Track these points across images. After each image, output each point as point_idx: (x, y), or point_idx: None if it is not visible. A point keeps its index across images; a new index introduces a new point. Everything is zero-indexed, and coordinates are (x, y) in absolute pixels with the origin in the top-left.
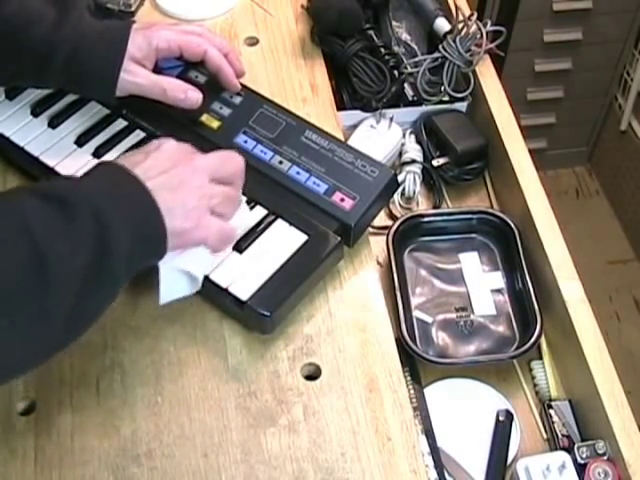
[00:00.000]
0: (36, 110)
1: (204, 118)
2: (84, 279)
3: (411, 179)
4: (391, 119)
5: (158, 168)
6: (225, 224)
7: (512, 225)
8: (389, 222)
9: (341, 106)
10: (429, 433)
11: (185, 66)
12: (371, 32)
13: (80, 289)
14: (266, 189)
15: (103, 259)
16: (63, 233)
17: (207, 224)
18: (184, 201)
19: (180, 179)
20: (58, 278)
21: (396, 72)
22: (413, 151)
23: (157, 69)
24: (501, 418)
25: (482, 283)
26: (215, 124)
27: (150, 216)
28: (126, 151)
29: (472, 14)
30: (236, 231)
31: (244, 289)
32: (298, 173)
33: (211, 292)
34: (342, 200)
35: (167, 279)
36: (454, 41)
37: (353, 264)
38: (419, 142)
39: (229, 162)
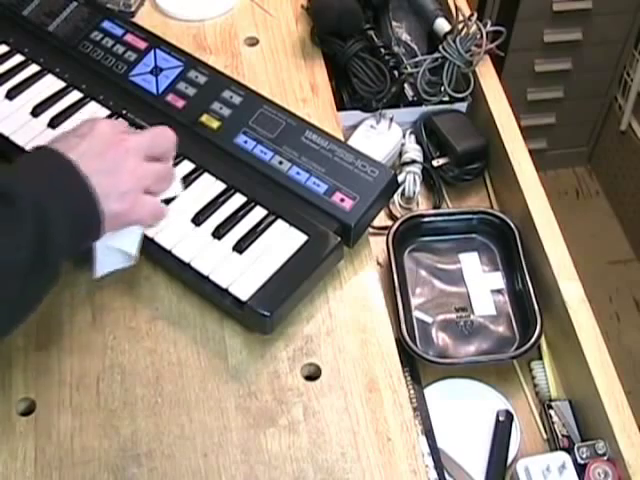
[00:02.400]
0: (36, 110)
1: (204, 118)
2: (26, 271)
3: (411, 179)
4: (391, 119)
5: (93, 151)
6: (158, 202)
7: (512, 225)
8: (389, 222)
9: (341, 106)
10: (429, 433)
11: (185, 66)
12: (371, 32)
13: (22, 280)
14: (266, 189)
15: (45, 252)
16: (5, 229)
17: (142, 204)
18: (119, 184)
19: (115, 162)
20: (0, 271)
21: (396, 72)
22: (413, 151)
23: (157, 69)
24: (501, 418)
25: (482, 283)
26: (215, 124)
27: (88, 203)
28: None
29: (472, 14)
30: (167, 207)
31: (244, 289)
32: (298, 173)
33: (211, 292)
34: (342, 200)
35: (102, 256)
36: (454, 41)
37: (353, 264)
38: (419, 142)
39: (161, 138)
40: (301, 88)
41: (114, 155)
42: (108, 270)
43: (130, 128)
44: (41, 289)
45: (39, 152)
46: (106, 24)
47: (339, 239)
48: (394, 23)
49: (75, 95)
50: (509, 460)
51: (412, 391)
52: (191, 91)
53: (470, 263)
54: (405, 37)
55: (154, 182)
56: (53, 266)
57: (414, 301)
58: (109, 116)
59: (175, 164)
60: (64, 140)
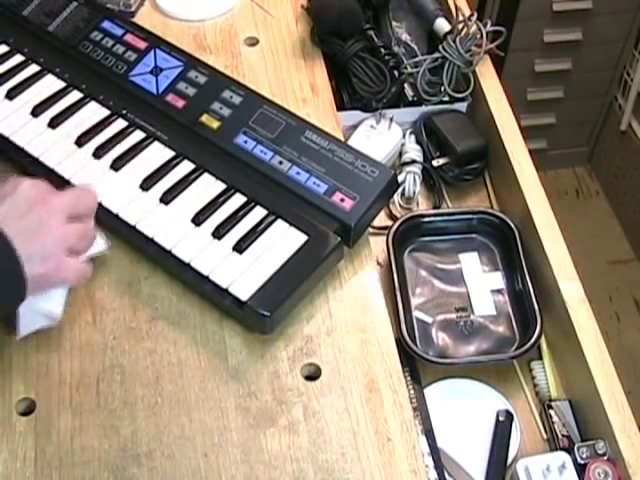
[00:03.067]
0: (36, 110)
1: (204, 118)
2: None
3: (411, 179)
4: (391, 119)
5: (16, 213)
6: (81, 264)
7: (512, 225)
8: (389, 222)
9: (341, 106)
10: (429, 433)
11: (185, 66)
12: (371, 32)
13: None
14: (266, 189)
15: None
16: None
17: (65, 267)
18: (43, 247)
19: (38, 223)
20: None
21: (396, 72)
22: (413, 151)
23: (157, 69)
24: (501, 418)
25: (482, 283)
26: (215, 124)
27: (11, 267)
28: (126, 151)
29: (472, 14)
30: (91, 267)
31: (244, 289)
32: (298, 173)
33: (211, 292)
34: (342, 200)
35: (26, 317)
36: (454, 41)
37: (353, 264)
38: (419, 142)
39: (84, 198)
40: (301, 88)
41: (37, 215)
42: (31, 330)
43: (52, 187)
44: None
45: None
46: (106, 24)
47: (339, 239)
48: (394, 23)
49: (75, 95)
50: (509, 460)
51: (412, 391)
52: (191, 91)
53: (470, 263)
54: (405, 37)
55: (76, 242)
56: None
57: (414, 301)
58: (108, 116)
59: (175, 164)
60: None
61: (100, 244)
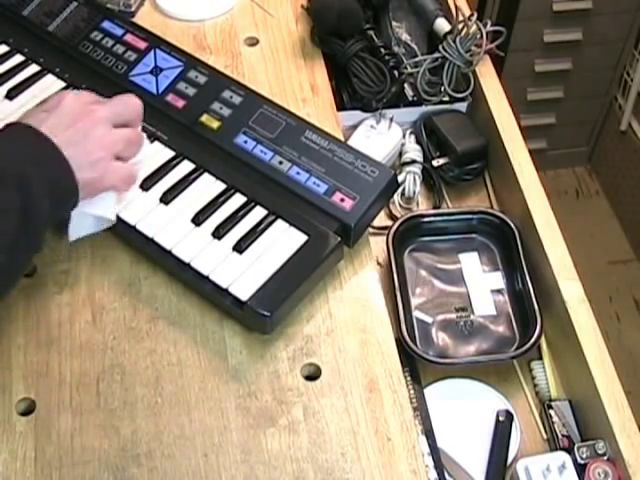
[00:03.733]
0: None
1: (204, 118)
2: (12, 241)
3: (411, 179)
4: (391, 119)
5: (62, 124)
6: (129, 168)
7: (512, 225)
8: (389, 222)
9: (341, 106)
10: (429, 433)
11: (185, 66)
12: (371, 32)
13: (8, 249)
14: (266, 189)
15: (29, 222)
16: None
17: (113, 171)
18: (90, 153)
19: (84, 132)
20: None
21: (396, 72)
22: (413, 151)
23: (157, 69)
24: (501, 418)
25: (482, 283)
26: (215, 124)
27: (64, 172)
28: None
29: (472, 14)
30: (139, 171)
31: (244, 289)
32: (298, 173)
33: (211, 292)
34: (342, 200)
35: (77, 221)
36: (454, 41)
37: (353, 264)
38: (419, 142)
39: (128, 106)
40: (301, 88)
41: (82, 126)
42: (83, 234)
43: (97, 97)
44: (25, 258)
45: (13, 128)
46: (106, 24)
47: (339, 239)
48: (394, 23)
49: None
50: (509, 460)
51: (412, 391)
52: (191, 91)
53: (470, 263)
54: (405, 37)
55: (124, 147)
56: (35, 234)
57: (414, 301)
58: None
59: (175, 164)
60: (33, 116)
61: (146, 152)
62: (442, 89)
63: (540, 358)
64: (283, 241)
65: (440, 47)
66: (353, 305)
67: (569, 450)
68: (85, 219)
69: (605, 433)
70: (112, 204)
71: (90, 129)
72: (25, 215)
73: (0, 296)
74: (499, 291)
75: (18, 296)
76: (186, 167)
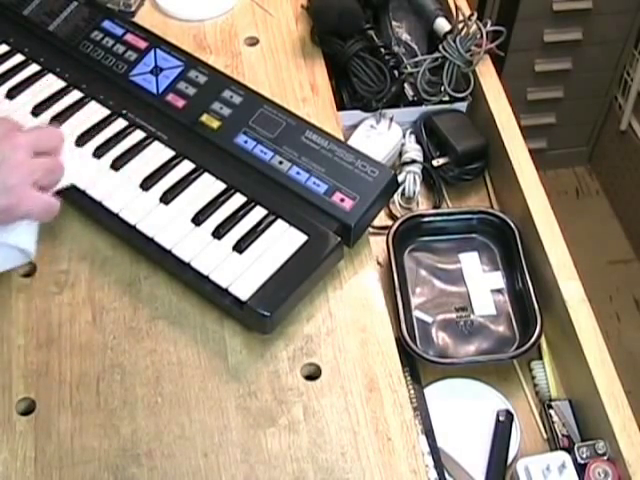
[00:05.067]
0: (36, 110)
1: (204, 118)
2: None
3: (411, 179)
4: (391, 119)
5: None
6: (47, 196)
7: (512, 225)
8: (389, 222)
9: (341, 106)
10: (429, 433)
11: (185, 66)
12: (371, 32)
13: None
14: (266, 189)
15: None
16: None
17: (30, 198)
18: (5, 179)
19: (2, 156)
20: None
21: (396, 72)
22: (413, 151)
23: (157, 68)
24: (501, 418)
25: (482, 283)
26: (215, 124)
27: None
28: (126, 151)
29: (472, 14)
30: (59, 202)
31: (244, 289)
32: (298, 173)
33: (211, 292)
34: (342, 200)
35: None
36: (454, 41)
37: (353, 264)
38: (419, 142)
39: (49, 135)
40: (301, 88)
41: (1, 150)
42: (5, 268)
43: (19, 124)
44: None
45: None
46: (106, 24)
47: (339, 239)
48: (394, 23)
49: (75, 95)
50: (509, 460)
51: (412, 391)
52: (191, 91)
53: (470, 263)
54: (405, 37)
55: (43, 175)
56: None
57: (414, 301)
58: (108, 115)
59: (175, 164)
60: None
61: (67, 178)
62: (442, 89)
63: (540, 358)
64: (283, 241)
65: (440, 47)
66: (353, 305)
67: (569, 450)
68: (7, 251)
69: (605, 433)
70: (33, 237)
71: (8, 154)
72: None
73: None
74: (499, 291)
75: (18, 296)
76: (186, 167)
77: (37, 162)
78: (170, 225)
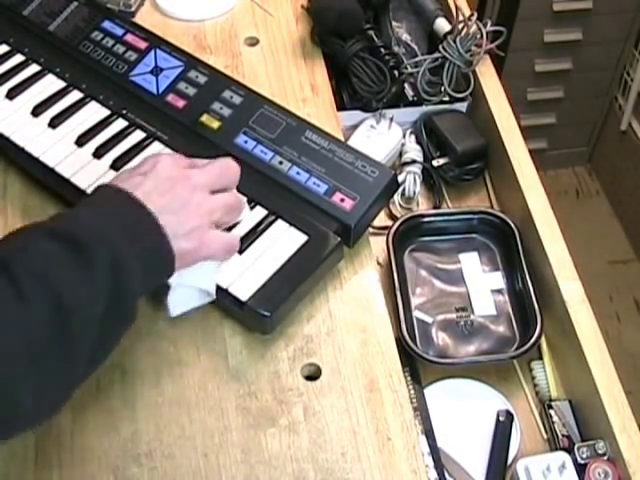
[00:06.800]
0: (36, 110)
1: (204, 118)
2: (103, 320)
3: (411, 179)
4: (391, 119)
5: (158, 190)
6: (227, 235)
7: (512, 225)
8: (389, 222)
9: (341, 106)
10: (429, 433)
11: (185, 66)
12: (371, 32)
13: (100, 329)
14: (266, 189)
15: (120, 299)
16: (81, 280)
17: (210, 240)
18: (186, 222)
19: (181, 200)
20: (80, 325)
21: (396, 72)
22: (413, 151)
23: (157, 69)
24: (501, 418)
25: (482, 283)
26: (215, 124)
27: (158, 243)
28: (126, 151)
29: (472, 14)
30: (239, 237)
31: (244, 289)
32: (298, 173)
33: None
34: (342, 200)
35: (176, 293)
36: (454, 41)
37: (353, 264)
38: (419, 142)
39: (226, 172)
40: (301, 88)
41: (180, 193)
42: (184, 309)
43: (192, 160)
44: (117, 331)
45: (104, 191)
46: (106, 24)
47: (339, 239)
48: (394, 23)
49: (75, 95)
50: (509, 460)
51: (412, 391)
52: (191, 91)
53: (470, 263)
54: (405, 37)
55: (223, 214)
56: (128, 311)
57: (414, 301)
58: (108, 115)
59: None
60: (128, 179)
61: (247, 216)
62: (442, 89)
63: (540, 358)
64: (283, 241)
65: (440, 47)
66: (353, 305)
67: (569, 450)
68: (185, 292)
69: (605, 433)
70: (212, 275)
71: (187, 196)
72: (115, 295)
73: (90, 373)
74: (499, 291)
75: None
76: None
77: (216, 201)
78: None
